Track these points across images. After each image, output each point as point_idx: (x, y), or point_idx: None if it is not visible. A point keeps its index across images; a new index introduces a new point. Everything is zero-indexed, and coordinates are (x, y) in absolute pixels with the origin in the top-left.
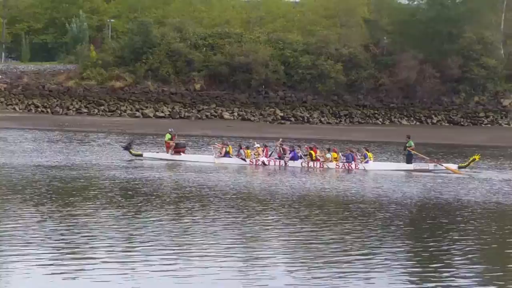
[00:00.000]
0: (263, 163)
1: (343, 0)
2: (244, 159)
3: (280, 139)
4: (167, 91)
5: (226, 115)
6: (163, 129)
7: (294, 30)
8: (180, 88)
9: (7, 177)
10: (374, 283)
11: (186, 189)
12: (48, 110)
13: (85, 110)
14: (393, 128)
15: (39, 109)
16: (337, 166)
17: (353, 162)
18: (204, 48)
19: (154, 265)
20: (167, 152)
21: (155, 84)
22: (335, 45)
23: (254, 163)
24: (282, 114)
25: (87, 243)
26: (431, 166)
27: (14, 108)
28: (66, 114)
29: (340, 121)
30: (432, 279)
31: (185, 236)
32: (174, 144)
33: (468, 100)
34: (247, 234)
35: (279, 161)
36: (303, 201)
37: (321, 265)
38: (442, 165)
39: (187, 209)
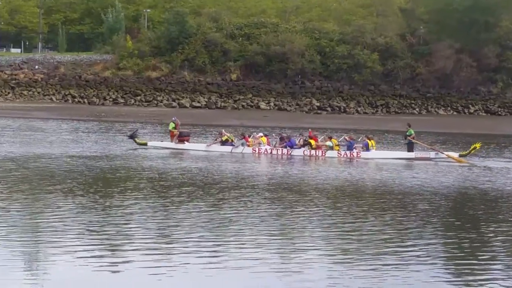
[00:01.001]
0: (265, 151)
1: None
2: (237, 146)
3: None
4: (203, 81)
5: (263, 105)
6: (199, 119)
7: (330, 19)
8: (216, 78)
9: (47, 168)
10: (414, 276)
11: (224, 179)
12: (85, 100)
13: (122, 101)
14: (430, 118)
15: (76, 100)
16: (339, 154)
17: (354, 150)
18: (240, 38)
19: (192, 257)
20: (171, 141)
21: (191, 74)
22: (371, 34)
23: (257, 151)
24: (318, 104)
25: (127, 235)
26: (432, 154)
27: (51, 99)
28: (103, 104)
29: (377, 111)
30: (475, 271)
31: (224, 228)
32: (178, 132)
33: (505, 90)
34: (286, 225)
35: (282, 150)
36: (341, 191)
37: (362, 257)
38: (443, 153)
39: (225, 200)
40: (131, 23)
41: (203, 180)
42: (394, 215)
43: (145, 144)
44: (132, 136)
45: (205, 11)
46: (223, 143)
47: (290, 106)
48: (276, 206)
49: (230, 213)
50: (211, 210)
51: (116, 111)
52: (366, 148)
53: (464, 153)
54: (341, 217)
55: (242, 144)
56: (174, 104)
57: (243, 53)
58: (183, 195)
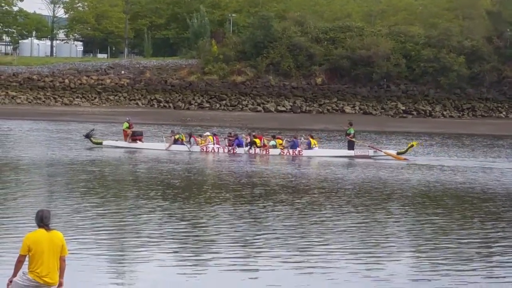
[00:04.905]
0: (213, 149)
1: None
2: (187, 145)
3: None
4: (288, 85)
5: (348, 109)
6: (285, 123)
7: (416, 23)
8: (301, 82)
9: (141, 172)
10: None
11: (302, 184)
12: (170, 105)
13: (207, 105)
14: None
15: (161, 104)
16: (282, 153)
17: (297, 148)
18: (325, 42)
19: (279, 261)
20: (125, 140)
21: (276, 78)
22: (457, 37)
23: (205, 150)
24: (404, 108)
25: (209, 241)
26: (371, 152)
27: (136, 103)
28: (188, 109)
29: (463, 114)
30: None
31: (305, 234)
32: (131, 132)
33: None
34: (372, 231)
35: (228, 148)
36: (421, 196)
37: (450, 267)
38: (382, 151)
39: (311, 205)
40: (217, 27)
41: (279, 184)
42: (482, 223)
43: (101, 143)
44: (88, 136)
45: (290, 15)
46: (175, 141)
47: (375, 110)
48: (361, 211)
49: (316, 219)
50: (297, 216)
51: (201, 116)
52: (309, 146)
53: (402, 151)
54: (426, 224)
55: (191, 142)
56: (259, 108)
57: (328, 57)
58: (265, 200)
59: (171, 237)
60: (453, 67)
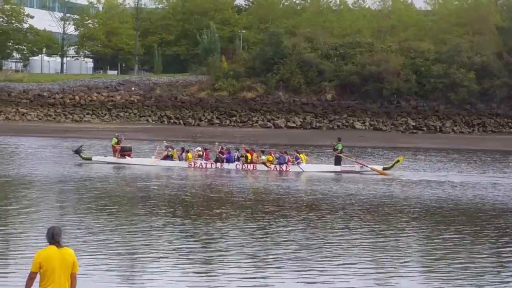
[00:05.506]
0: (201, 165)
1: (475, 8)
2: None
3: (216, 143)
4: (299, 101)
5: (358, 125)
6: (295, 140)
7: (425, 39)
8: (311, 98)
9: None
10: None
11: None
12: (181, 121)
13: (217, 121)
14: None
15: (172, 121)
16: (270, 168)
17: (285, 164)
18: (335, 58)
19: (290, 278)
20: (114, 156)
21: (286, 94)
22: (467, 53)
23: (193, 165)
24: (414, 124)
25: (221, 258)
26: (357, 167)
27: (147, 120)
28: (198, 125)
29: (473, 130)
30: None
31: (316, 250)
32: (120, 147)
33: None
34: (384, 243)
35: (216, 164)
36: (432, 212)
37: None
38: (368, 167)
39: (320, 221)
40: (227, 44)
41: (287, 200)
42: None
43: (90, 159)
44: (77, 151)
45: (300, 31)
46: (166, 157)
47: (385, 125)
48: (376, 224)
49: (327, 235)
50: (307, 232)
51: (211, 132)
52: (297, 161)
53: (387, 166)
54: (438, 240)
55: (181, 159)
56: (269, 124)
57: (338, 73)
58: (274, 216)
59: (183, 254)
60: (463, 82)
